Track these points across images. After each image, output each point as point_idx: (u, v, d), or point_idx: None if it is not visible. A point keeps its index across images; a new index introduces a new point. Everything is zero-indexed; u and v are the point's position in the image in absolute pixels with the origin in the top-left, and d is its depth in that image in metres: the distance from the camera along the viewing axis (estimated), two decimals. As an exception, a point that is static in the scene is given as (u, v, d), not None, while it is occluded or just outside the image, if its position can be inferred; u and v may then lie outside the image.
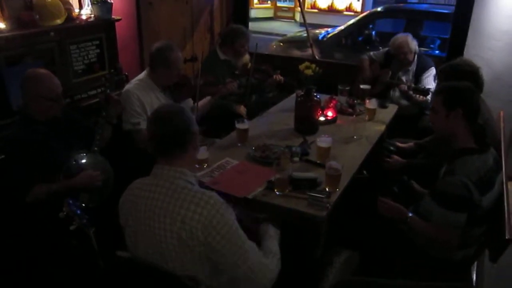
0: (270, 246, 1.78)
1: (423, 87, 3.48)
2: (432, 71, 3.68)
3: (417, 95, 3.48)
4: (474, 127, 2.11)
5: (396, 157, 2.90)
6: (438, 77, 3.04)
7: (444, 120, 2.14)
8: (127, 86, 2.96)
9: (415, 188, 2.60)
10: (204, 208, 1.52)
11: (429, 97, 3.43)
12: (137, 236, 1.65)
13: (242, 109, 3.66)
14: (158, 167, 1.67)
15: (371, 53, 4.12)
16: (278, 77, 3.81)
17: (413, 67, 3.73)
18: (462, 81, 2.23)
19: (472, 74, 2.72)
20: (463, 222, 2.01)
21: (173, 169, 1.63)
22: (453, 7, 4.03)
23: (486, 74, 2.79)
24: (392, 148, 2.97)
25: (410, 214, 2.17)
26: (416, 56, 3.75)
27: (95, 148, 2.51)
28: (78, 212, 1.81)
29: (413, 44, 3.71)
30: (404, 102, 3.74)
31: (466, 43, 3.83)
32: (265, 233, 1.88)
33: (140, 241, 1.64)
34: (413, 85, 3.56)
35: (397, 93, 3.73)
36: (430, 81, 3.63)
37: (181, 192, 1.57)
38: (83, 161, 2.43)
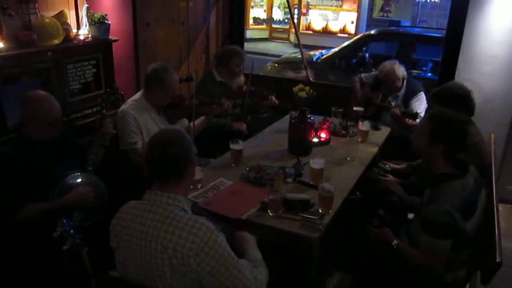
0: (254, 254, 1.79)
1: (412, 111, 3.51)
2: (421, 95, 3.72)
3: (408, 119, 3.51)
4: (454, 160, 2.12)
5: (391, 176, 2.92)
6: (430, 99, 3.09)
7: (424, 147, 2.16)
8: (123, 107, 2.98)
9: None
10: (196, 235, 1.52)
11: (418, 121, 3.47)
12: (126, 261, 1.64)
13: (243, 126, 3.66)
14: (152, 193, 1.65)
15: (362, 75, 4.16)
16: (273, 100, 3.83)
17: (402, 92, 3.77)
18: (459, 112, 2.23)
19: (464, 98, 2.77)
20: (448, 249, 2.02)
21: (166, 195, 1.63)
22: (445, 31, 4.10)
23: (476, 97, 2.84)
24: (387, 167, 2.99)
25: (395, 242, 2.20)
26: (405, 81, 3.79)
27: (90, 168, 2.52)
28: (72, 231, 1.82)
29: (400, 71, 3.72)
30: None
31: (457, 67, 3.89)
32: (243, 240, 1.88)
33: (130, 266, 1.63)
34: (403, 109, 3.59)
35: (389, 116, 3.77)
36: (418, 105, 3.66)
37: (174, 219, 1.57)
38: (78, 180, 2.43)
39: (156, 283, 1.56)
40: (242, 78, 3.90)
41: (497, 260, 1.78)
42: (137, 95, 3.05)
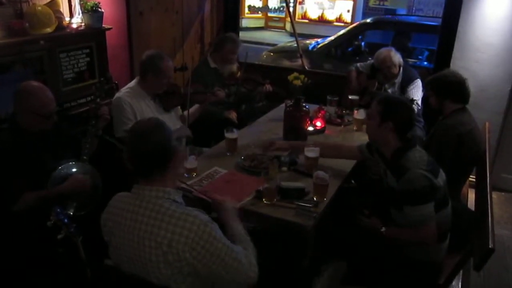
0: (238, 228, 1.76)
1: (408, 97, 3.51)
2: (418, 82, 3.72)
3: None
4: (404, 136, 2.22)
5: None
6: (426, 87, 3.09)
7: (376, 128, 2.24)
8: (118, 94, 2.97)
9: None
10: (190, 230, 1.49)
11: (414, 107, 3.47)
12: (120, 255, 1.62)
13: (233, 115, 3.67)
14: (140, 187, 1.61)
15: (358, 64, 4.15)
16: (268, 87, 3.83)
17: (398, 79, 3.77)
18: (445, 95, 2.41)
19: (459, 85, 2.78)
20: (433, 212, 2.09)
21: (155, 189, 1.58)
22: (441, 20, 4.09)
23: (472, 85, 2.85)
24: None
25: (383, 228, 2.25)
26: (401, 68, 3.78)
27: (84, 157, 2.51)
28: (66, 220, 1.81)
29: (397, 58, 3.70)
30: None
31: (453, 55, 3.89)
32: (223, 211, 1.85)
33: (124, 260, 1.61)
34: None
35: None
36: (415, 92, 3.66)
37: (165, 214, 1.53)
38: (73, 170, 2.43)
39: (151, 278, 1.55)
40: (234, 66, 3.89)
41: (490, 247, 1.79)
42: (132, 83, 3.03)
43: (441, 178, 2.15)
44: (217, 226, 1.58)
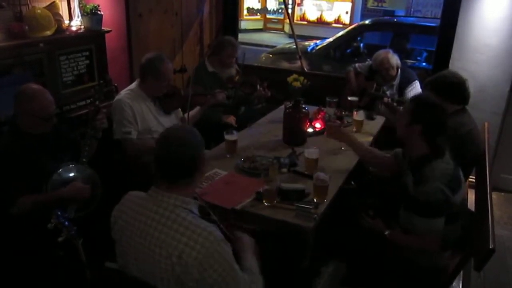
0: (251, 262, 1.72)
1: (406, 99, 3.52)
2: (416, 84, 3.73)
3: (401, 107, 3.51)
4: (432, 141, 2.15)
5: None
6: (425, 88, 3.09)
7: (404, 128, 2.21)
8: (118, 96, 2.97)
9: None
10: (203, 246, 1.46)
11: None
12: (127, 256, 1.61)
13: (231, 119, 3.67)
14: (158, 192, 1.58)
15: (356, 65, 4.16)
16: (265, 91, 3.83)
17: (396, 81, 3.77)
18: (445, 96, 2.36)
19: (458, 86, 2.78)
20: (442, 226, 2.07)
21: (175, 197, 1.56)
22: (439, 21, 4.10)
23: (471, 86, 2.84)
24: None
25: (388, 232, 2.23)
26: (399, 70, 3.79)
27: (83, 160, 2.51)
28: (66, 223, 1.81)
29: (394, 59, 3.71)
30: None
31: (452, 56, 3.89)
32: (241, 242, 1.81)
33: (131, 262, 1.60)
34: (396, 97, 3.60)
35: (383, 106, 3.77)
36: (413, 94, 3.66)
37: (181, 225, 1.51)
38: (72, 172, 2.42)
39: (157, 284, 1.53)
40: (233, 69, 3.89)
41: (490, 247, 1.79)
42: (133, 85, 3.04)
43: (460, 195, 2.10)
44: (229, 246, 1.56)
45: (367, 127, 3.33)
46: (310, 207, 2.12)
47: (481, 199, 2.35)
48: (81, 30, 3.33)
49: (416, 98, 2.24)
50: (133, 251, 1.58)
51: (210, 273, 1.47)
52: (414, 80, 3.74)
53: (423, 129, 2.13)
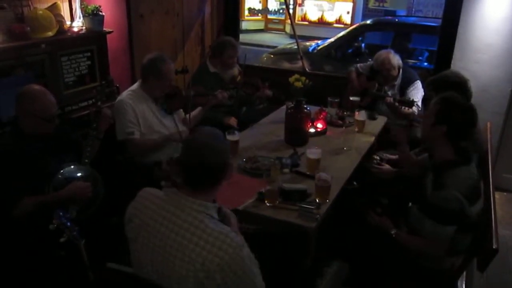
0: None
1: (408, 98, 3.51)
2: (417, 84, 3.72)
3: (403, 107, 3.51)
4: (456, 144, 2.11)
5: (386, 165, 2.92)
6: (427, 88, 3.08)
7: (429, 128, 2.16)
8: (120, 97, 2.97)
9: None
10: (226, 252, 1.45)
11: (414, 108, 3.47)
12: (143, 256, 1.59)
13: (233, 121, 3.67)
14: (181, 196, 1.56)
15: (358, 65, 4.15)
16: (267, 91, 3.82)
17: (398, 81, 3.77)
18: (465, 99, 2.21)
19: (461, 86, 2.77)
20: (451, 235, 2.03)
21: (198, 203, 1.53)
22: (441, 20, 4.09)
23: (472, 86, 2.84)
24: (382, 157, 2.99)
25: (394, 231, 2.21)
26: (400, 70, 3.78)
27: (86, 160, 2.51)
28: (68, 224, 1.81)
29: (396, 60, 3.70)
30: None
31: (453, 56, 3.89)
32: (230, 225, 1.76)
33: (147, 263, 1.58)
34: (398, 97, 3.60)
35: (385, 106, 3.77)
36: (415, 94, 3.66)
37: (204, 231, 1.49)
38: (74, 173, 2.42)
39: (172, 286, 1.52)
40: (235, 70, 3.90)
41: (494, 247, 1.79)
42: (134, 86, 3.04)
43: (477, 207, 2.05)
44: (249, 251, 1.54)
45: (369, 127, 3.33)
46: (312, 207, 2.12)
47: (484, 199, 2.34)
48: (83, 31, 3.33)
49: (442, 97, 2.16)
50: (150, 252, 1.56)
51: (231, 276, 1.47)
52: (416, 80, 3.74)
53: (448, 131, 2.07)
